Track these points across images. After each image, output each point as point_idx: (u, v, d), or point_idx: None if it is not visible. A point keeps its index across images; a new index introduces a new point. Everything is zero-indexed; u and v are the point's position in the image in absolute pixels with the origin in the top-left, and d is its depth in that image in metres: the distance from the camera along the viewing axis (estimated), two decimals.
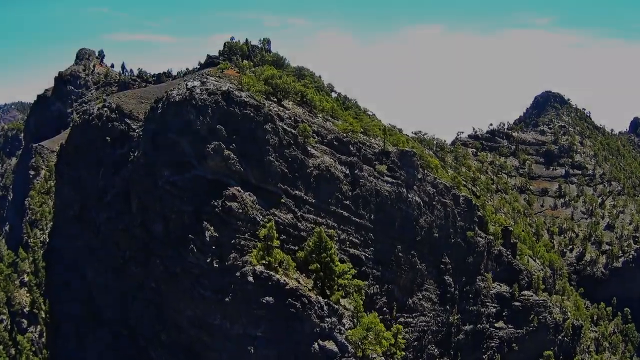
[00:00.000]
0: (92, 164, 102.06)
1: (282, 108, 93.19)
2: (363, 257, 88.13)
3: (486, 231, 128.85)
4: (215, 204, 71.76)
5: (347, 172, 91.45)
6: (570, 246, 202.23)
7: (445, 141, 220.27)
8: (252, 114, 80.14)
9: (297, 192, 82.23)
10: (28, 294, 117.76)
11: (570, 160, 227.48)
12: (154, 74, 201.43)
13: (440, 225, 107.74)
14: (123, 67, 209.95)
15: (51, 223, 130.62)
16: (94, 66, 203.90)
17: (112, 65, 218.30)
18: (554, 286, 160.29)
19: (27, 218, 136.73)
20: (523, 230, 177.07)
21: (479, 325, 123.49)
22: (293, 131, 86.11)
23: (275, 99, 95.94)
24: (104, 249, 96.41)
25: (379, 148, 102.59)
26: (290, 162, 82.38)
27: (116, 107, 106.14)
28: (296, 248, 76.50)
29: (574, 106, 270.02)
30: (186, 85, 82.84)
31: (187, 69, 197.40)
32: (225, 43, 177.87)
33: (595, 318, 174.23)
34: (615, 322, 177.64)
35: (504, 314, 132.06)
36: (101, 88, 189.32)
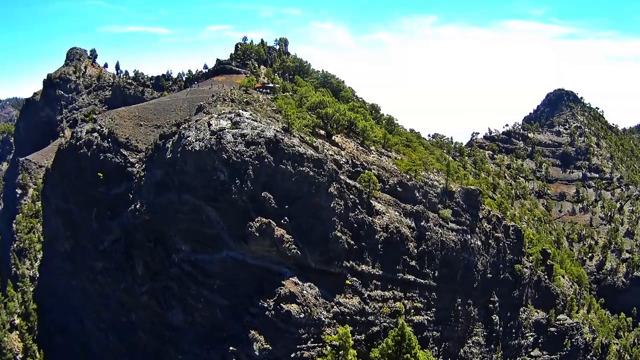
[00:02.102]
0: (82, 200, 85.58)
1: (336, 148, 74.71)
2: (425, 322, 73.91)
3: (526, 255, 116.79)
4: (265, 304, 52.65)
5: (413, 224, 76.14)
6: (590, 254, 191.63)
7: (462, 144, 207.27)
8: (311, 173, 59.86)
9: (363, 266, 64.90)
10: (19, 340, 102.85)
11: (587, 163, 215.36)
12: (152, 77, 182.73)
13: (493, 263, 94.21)
14: (117, 67, 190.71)
15: (40, 254, 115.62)
16: (85, 67, 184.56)
17: (106, 65, 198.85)
18: (580, 301, 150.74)
19: (15, 246, 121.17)
20: (552, 245, 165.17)
21: (518, 359, 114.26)
22: (357, 185, 67.52)
23: (324, 132, 78.90)
24: (102, 301, 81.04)
25: (442, 186, 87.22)
26: (357, 228, 64.87)
27: (109, 134, 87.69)
28: (363, 337, 60.19)
29: (588, 105, 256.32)
30: (209, 124, 62.36)
31: (189, 71, 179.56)
32: (237, 45, 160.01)
33: (615, 329, 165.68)
34: (636, 333, 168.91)
35: (539, 341, 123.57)
36: (93, 92, 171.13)
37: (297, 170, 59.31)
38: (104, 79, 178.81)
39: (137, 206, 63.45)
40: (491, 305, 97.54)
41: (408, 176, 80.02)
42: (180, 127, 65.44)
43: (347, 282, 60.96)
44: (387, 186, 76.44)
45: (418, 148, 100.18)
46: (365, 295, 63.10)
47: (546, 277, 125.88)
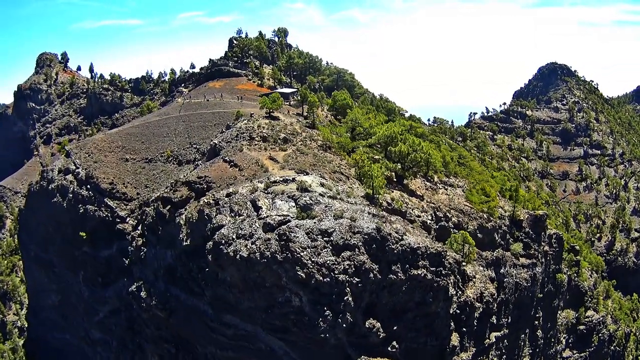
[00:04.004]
0: (66, 258, 70.60)
1: (416, 200, 56.79)
2: None
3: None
4: None
5: (493, 274, 61.83)
6: (598, 234, 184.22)
7: (462, 127, 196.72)
8: (429, 276, 42.52)
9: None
10: None
11: (588, 139, 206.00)
12: (130, 80, 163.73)
13: (542, 281, 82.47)
14: (91, 69, 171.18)
15: (26, 298, 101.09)
16: (56, 74, 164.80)
17: (79, 68, 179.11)
18: (600, 290, 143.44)
19: None
20: (562, 229, 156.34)
21: None
22: (454, 256, 49.16)
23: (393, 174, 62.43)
24: None
25: (508, 214, 73.07)
26: (458, 315, 48.59)
27: (87, 177, 70.62)
28: None
29: (582, 78, 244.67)
30: (255, 207, 42.68)
31: (172, 70, 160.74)
32: (232, 41, 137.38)
33: (630, 312, 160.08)
34: None
35: (569, 341, 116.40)
36: (67, 102, 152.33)
37: (409, 275, 41.79)
38: (77, 85, 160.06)
39: (142, 293, 48.06)
40: (536, 322, 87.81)
41: (486, 215, 65.57)
42: (201, 203, 44.96)
43: None
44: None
45: (471, 164, 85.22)
46: None
47: (575, 275, 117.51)
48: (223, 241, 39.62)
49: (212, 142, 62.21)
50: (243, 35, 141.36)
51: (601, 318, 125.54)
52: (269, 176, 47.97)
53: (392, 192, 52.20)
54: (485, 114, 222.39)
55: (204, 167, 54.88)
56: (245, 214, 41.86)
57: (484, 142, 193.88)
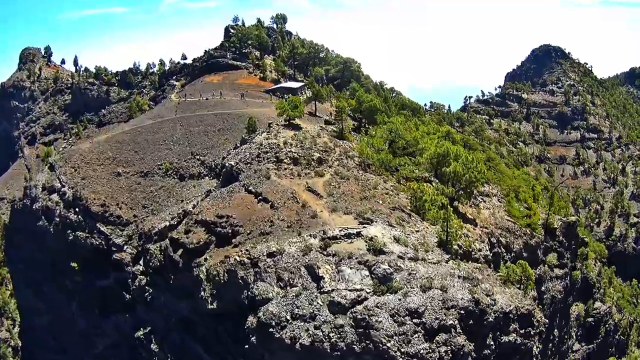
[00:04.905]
0: (55, 282, 63.80)
1: (477, 232, 50.57)
2: None
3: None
4: None
5: (536, 293, 57.11)
6: (597, 220, 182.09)
7: (462, 113, 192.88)
8: (518, 340, 36.93)
9: None
10: None
11: (584, 123, 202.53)
12: (117, 73, 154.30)
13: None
14: (76, 62, 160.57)
15: (18, 315, 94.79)
16: (40, 69, 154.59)
17: (63, 62, 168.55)
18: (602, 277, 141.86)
19: None
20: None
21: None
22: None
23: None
24: None
25: (542, 221, 67.51)
26: None
27: (74, 198, 61.74)
28: None
29: (577, 60, 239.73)
30: (317, 279, 34.26)
31: (161, 61, 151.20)
32: (228, 29, 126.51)
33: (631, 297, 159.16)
34: None
35: (578, 334, 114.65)
36: (51, 98, 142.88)
37: (499, 343, 35.71)
38: (61, 81, 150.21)
39: (153, 346, 41.46)
40: (554, 322, 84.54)
41: (529, 231, 59.69)
42: (231, 261, 36.01)
43: None
44: (512, 254, 55.18)
45: (500, 167, 78.83)
46: None
47: (585, 267, 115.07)
48: (273, 322, 31.43)
49: (227, 163, 52.71)
50: (240, 23, 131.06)
51: (607, 309, 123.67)
52: (323, 229, 38.19)
53: (454, 225, 44.33)
54: (481, 97, 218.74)
55: (220, 198, 45.47)
56: (299, 285, 33.53)
57: (481, 127, 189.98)
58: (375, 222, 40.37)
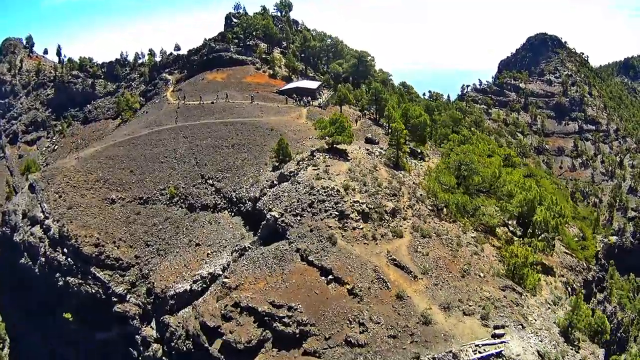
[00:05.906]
0: (47, 327, 55.12)
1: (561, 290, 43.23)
2: None
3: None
4: None
5: None
6: (596, 213, 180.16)
7: (460, 102, 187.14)
8: None
9: None
10: None
11: (582, 114, 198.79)
12: (103, 64, 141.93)
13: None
14: (59, 53, 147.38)
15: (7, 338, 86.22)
16: (21, 61, 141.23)
17: (46, 52, 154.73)
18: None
19: None
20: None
21: None
22: None
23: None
24: None
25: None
26: None
27: (61, 236, 50.49)
28: None
29: (573, 50, 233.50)
30: None
31: (150, 52, 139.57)
32: (229, 18, 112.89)
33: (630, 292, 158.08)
34: None
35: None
36: (33, 92, 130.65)
37: None
38: (43, 73, 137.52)
39: None
40: None
41: (585, 264, 53.09)
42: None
43: None
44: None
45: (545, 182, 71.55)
46: None
47: (599, 268, 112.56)
48: None
49: (265, 211, 40.62)
50: (242, 12, 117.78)
51: (612, 309, 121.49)
52: (452, 350, 27.99)
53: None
54: (478, 86, 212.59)
55: (266, 267, 34.79)
56: None
57: (480, 117, 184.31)
58: (507, 325, 31.33)
